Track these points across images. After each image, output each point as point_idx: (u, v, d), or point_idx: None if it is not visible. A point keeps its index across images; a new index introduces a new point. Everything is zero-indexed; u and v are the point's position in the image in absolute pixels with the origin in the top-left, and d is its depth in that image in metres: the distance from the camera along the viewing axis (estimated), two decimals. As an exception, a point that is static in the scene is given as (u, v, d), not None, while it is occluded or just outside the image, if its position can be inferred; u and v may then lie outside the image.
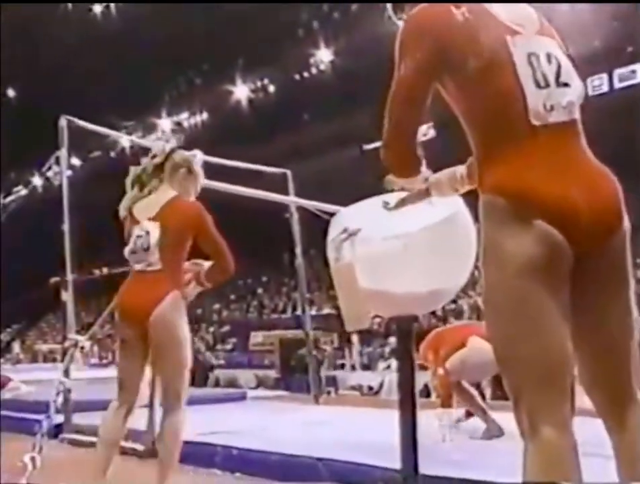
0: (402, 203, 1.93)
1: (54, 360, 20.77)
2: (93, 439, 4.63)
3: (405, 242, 2.06)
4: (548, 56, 1.71)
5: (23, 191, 35.27)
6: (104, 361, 24.18)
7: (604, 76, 23.11)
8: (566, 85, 1.71)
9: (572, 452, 1.55)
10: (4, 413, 5.92)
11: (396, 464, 2.60)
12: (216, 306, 29.97)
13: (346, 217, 2.20)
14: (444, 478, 2.74)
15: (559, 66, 1.71)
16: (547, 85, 1.68)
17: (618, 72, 22.90)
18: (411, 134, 1.80)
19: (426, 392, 10.01)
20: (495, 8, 1.74)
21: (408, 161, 1.83)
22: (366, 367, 17.57)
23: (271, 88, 30.14)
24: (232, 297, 30.52)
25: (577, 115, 1.73)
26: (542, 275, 1.59)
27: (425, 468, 2.32)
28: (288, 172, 7.05)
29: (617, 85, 22.89)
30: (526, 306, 1.60)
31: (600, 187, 1.67)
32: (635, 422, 1.70)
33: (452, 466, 2.90)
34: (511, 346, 1.63)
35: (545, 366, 1.59)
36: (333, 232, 2.18)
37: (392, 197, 2.11)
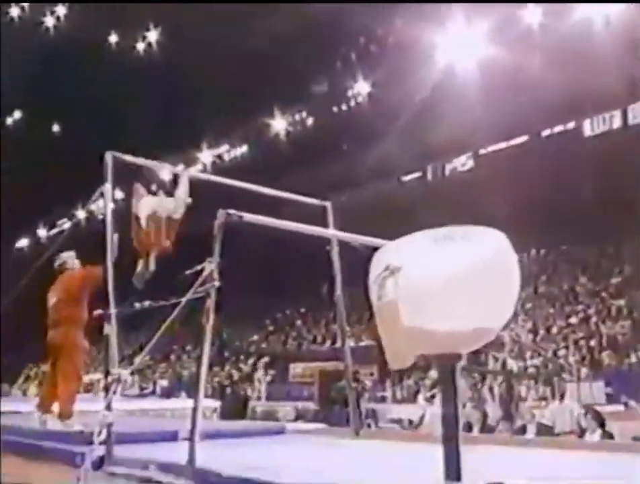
0: None
1: (94, 391, 20.93)
2: (134, 472, 4.68)
3: (448, 279, 2.05)
4: None
5: (66, 225, 35.98)
6: (145, 391, 24.31)
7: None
8: None
9: None
10: (50, 444, 5.98)
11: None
12: (255, 337, 30.01)
13: (388, 254, 2.19)
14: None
15: None
16: None
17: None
18: None
19: (468, 427, 9.86)
20: None
21: None
22: (406, 400, 17.38)
23: (310, 120, 30.43)
24: (271, 328, 30.54)
25: None
26: None
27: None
28: (328, 204, 7.05)
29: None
30: None
31: None
32: None
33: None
34: None
35: None
36: (376, 270, 2.17)
37: (439, 232, 2.11)
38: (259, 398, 20.82)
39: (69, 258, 7.06)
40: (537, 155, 25.17)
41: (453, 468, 2.24)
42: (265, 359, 25.07)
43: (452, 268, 2.06)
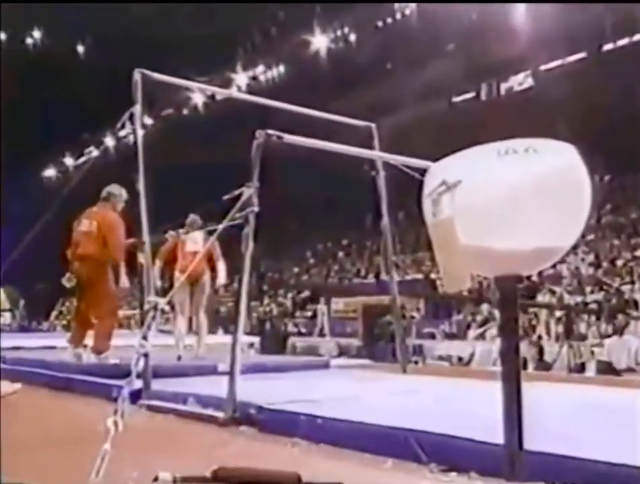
0: None
1: (129, 327, 21.43)
2: (172, 405, 4.79)
3: (509, 194, 1.99)
4: None
5: (95, 153, 36.28)
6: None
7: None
8: None
9: None
10: (85, 377, 6.17)
11: (492, 438, 2.56)
12: (295, 270, 30.23)
13: (445, 168, 2.13)
14: (549, 455, 2.67)
15: None
16: None
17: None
18: None
19: (523, 364, 9.88)
20: None
21: None
22: (455, 336, 17.43)
23: (352, 37, 29.73)
24: (312, 261, 30.70)
25: None
26: None
27: (528, 443, 2.27)
28: (373, 126, 6.92)
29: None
30: None
31: None
32: None
33: (558, 442, 2.83)
34: None
35: None
36: (430, 185, 2.12)
37: (502, 145, 2.03)
38: (300, 333, 21.11)
39: (119, 194, 6.94)
40: (604, 72, 24.31)
41: (512, 405, 2.22)
42: (306, 293, 25.30)
43: (514, 182, 1.99)
